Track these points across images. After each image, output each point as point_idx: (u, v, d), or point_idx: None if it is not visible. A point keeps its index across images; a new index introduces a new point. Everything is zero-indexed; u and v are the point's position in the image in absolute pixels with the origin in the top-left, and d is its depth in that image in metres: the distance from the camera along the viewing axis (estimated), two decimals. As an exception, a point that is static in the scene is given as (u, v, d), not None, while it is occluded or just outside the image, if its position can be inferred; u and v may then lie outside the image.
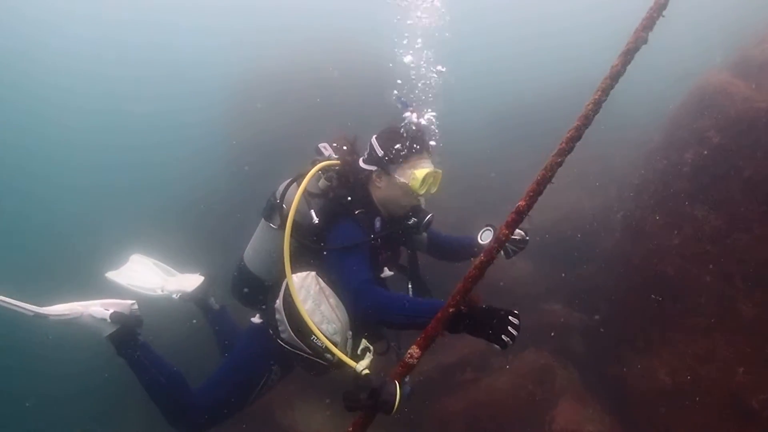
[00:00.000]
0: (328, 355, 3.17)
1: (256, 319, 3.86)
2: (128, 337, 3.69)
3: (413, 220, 3.62)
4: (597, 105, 2.40)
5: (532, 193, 2.42)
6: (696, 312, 5.18)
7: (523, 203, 2.42)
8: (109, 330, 3.62)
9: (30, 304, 3.42)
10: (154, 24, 21.35)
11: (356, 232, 3.32)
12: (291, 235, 3.24)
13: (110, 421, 7.71)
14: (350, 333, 3.39)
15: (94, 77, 19.82)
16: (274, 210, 3.59)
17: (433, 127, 3.73)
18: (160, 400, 3.69)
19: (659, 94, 6.25)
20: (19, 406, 7.79)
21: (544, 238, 7.84)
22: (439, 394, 6.46)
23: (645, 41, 2.32)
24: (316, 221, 3.34)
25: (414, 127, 3.55)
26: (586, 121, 2.41)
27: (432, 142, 3.69)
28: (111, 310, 3.62)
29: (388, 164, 3.51)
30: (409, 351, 2.40)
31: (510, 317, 2.65)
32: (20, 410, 7.82)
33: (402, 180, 3.48)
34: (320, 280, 3.38)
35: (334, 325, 3.28)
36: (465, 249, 4.19)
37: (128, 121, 18.04)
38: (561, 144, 2.40)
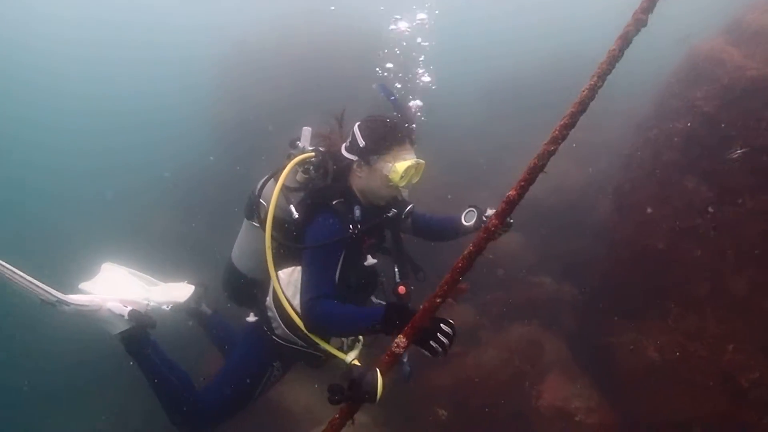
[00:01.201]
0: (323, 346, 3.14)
1: (251, 318, 3.69)
2: (141, 335, 3.55)
3: (393, 211, 3.46)
4: (593, 91, 2.19)
5: (523, 183, 2.27)
6: (686, 287, 4.89)
7: (514, 193, 2.26)
8: (123, 327, 3.49)
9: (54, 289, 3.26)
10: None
11: (332, 228, 3.13)
12: (274, 235, 3.19)
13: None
14: None
15: (72, 58, 19.26)
16: (254, 208, 3.44)
17: (419, 114, 3.53)
18: (166, 399, 3.53)
19: (655, 60, 5.84)
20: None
21: (535, 210, 7.55)
22: (426, 369, 6.22)
23: (644, 24, 2.12)
24: (296, 216, 3.19)
25: (398, 116, 3.37)
26: (582, 107, 2.20)
27: (414, 126, 3.46)
28: (129, 308, 3.50)
29: (368, 154, 3.29)
30: (395, 341, 2.29)
31: (442, 325, 2.50)
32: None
33: (383, 172, 3.27)
34: None
35: None
36: (449, 230, 4.01)
37: (106, 105, 17.47)
38: (554, 131, 2.21)
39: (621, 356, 5.37)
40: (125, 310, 3.47)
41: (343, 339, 3.38)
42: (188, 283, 4.30)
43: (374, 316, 2.68)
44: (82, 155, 14.96)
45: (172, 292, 4.17)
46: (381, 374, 2.32)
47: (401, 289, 3.33)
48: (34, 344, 7.83)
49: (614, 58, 2.16)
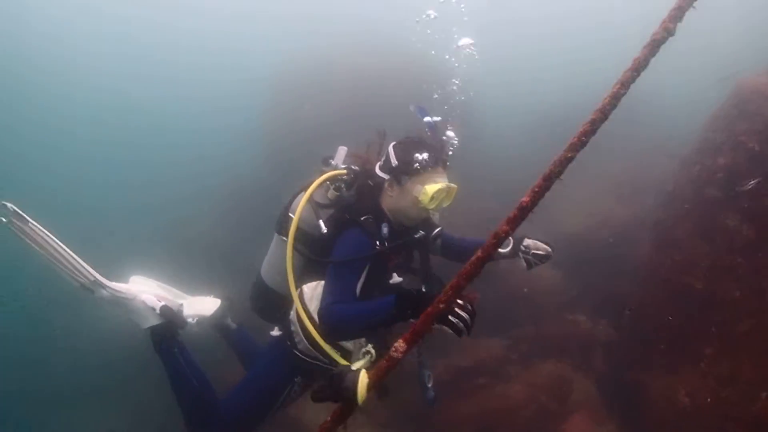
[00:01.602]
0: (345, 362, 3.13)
1: (275, 332, 3.67)
2: (170, 333, 3.60)
3: (421, 233, 3.46)
4: (615, 99, 2.11)
5: (537, 189, 2.14)
6: (723, 329, 4.59)
7: (527, 200, 2.14)
8: (154, 321, 3.55)
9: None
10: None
11: (359, 243, 3.16)
12: (300, 249, 3.25)
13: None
14: (363, 340, 3.19)
15: (116, 71, 20.02)
16: (283, 222, 3.48)
17: (454, 141, 3.53)
18: (187, 402, 3.54)
19: (702, 100, 5.65)
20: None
21: (575, 246, 7.31)
22: (452, 397, 6.03)
23: (672, 33, 2.03)
24: (325, 230, 3.24)
25: (433, 140, 3.40)
26: (602, 115, 2.12)
27: (450, 152, 3.49)
28: (162, 303, 3.57)
29: (400, 174, 3.30)
30: (394, 345, 2.18)
31: (459, 301, 2.39)
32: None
33: (413, 193, 3.27)
34: None
35: None
36: None
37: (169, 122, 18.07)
38: (573, 138, 2.11)
39: (651, 400, 5.07)
40: (158, 305, 3.54)
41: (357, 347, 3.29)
42: (215, 297, 4.30)
43: (387, 305, 2.66)
44: (141, 166, 15.53)
45: (198, 306, 4.16)
46: (371, 377, 2.23)
47: None
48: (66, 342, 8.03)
49: (639, 65, 2.08)
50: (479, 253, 2.14)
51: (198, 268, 6.98)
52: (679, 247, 5.11)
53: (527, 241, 3.71)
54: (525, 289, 6.79)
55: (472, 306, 2.42)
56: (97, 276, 3.38)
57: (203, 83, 19.99)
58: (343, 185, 3.41)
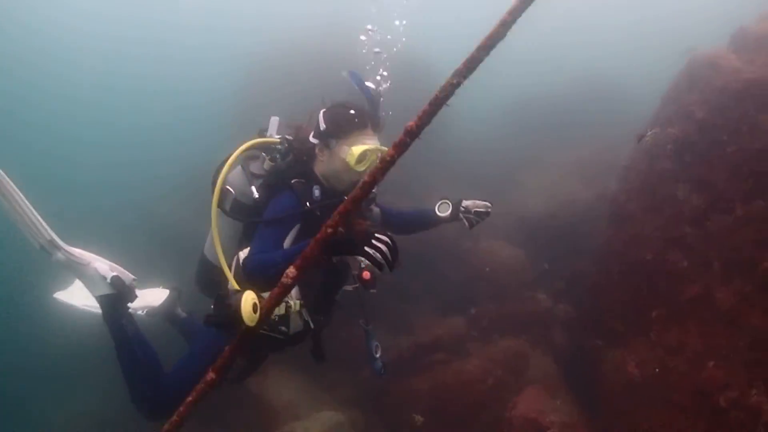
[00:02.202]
0: (283, 328, 3.15)
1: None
2: (119, 304, 3.52)
3: None
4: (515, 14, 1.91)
5: (423, 114, 2.01)
6: (671, 299, 4.50)
7: (412, 124, 2.00)
8: (104, 291, 3.47)
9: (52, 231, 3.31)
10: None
11: (288, 203, 3.16)
12: (235, 217, 3.26)
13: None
14: (298, 303, 3.22)
15: (91, 62, 19.72)
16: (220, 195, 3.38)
17: (382, 99, 3.48)
18: (130, 375, 3.44)
19: (666, 77, 5.57)
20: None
21: (538, 227, 7.23)
22: (407, 373, 5.93)
23: None
24: (256, 196, 3.25)
25: (371, 105, 3.36)
26: (493, 41, 1.90)
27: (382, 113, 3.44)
28: (114, 273, 3.50)
29: (329, 138, 3.29)
30: (286, 272, 2.07)
31: (378, 234, 2.46)
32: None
33: (341, 155, 3.25)
34: None
35: None
36: (421, 221, 4.15)
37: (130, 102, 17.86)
38: (460, 65, 1.94)
39: (603, 373, 4.97)
40: (109, 274, 3.46)
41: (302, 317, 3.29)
42: (163, 287, 4.33)
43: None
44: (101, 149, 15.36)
45: (147, 297, 4.19)
46: (263, 303, 2.13)
47: (365, 275, 3.18)
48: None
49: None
50: (366, 178, 2.04)
51: (155, 254, 6.87)
52: (632, 221, 5.03)
53: (465, 203, 3.94)
54: (487, 269, 6.70)
55: (392, 240, 2.40)
56: (54, 236, 3.31)
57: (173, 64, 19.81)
58: (278, 155, 3.38)
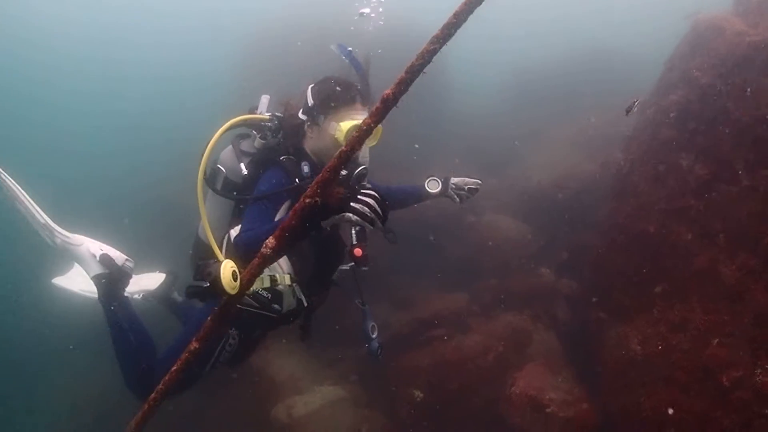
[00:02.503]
0: (276, 306, 3.08)
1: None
2: (111, 285, 3.49)
3: (344, 171, 3.14)
4: None
5: (399, 82, 1.91)
6: (674, 273, 4.30)
7: (389, 92, 1.92)
8: (97, 270, 3.48)
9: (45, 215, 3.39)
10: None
11: (276, 179, 3.05)
12: (226, 195, 3.21)
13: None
14: (288, 276, 3.11)
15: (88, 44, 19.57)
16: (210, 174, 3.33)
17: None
18: (123, 358, 3.40)
19: (671, 45, 5.28)
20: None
21: (542, 200, 7.02)
22: (407, 349, 5.82)
23: None
24: (245, 172, 3.18)
25: (361, 79, 3.20)
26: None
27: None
28: (103, 251, 3.51)
29: (317, 114, 3.14)
30: (265, 242, 2.04)
31: (363, 190, 2.33)
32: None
33: (329, 131, 3.11)
34: None
35: (274, 272, 3.05)
36: (411, 197, 4.05)
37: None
38: (437, 32, 1.86)
39: (606, 350, 4.80)
40: (98, 252, 3.47)
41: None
42: (159, 272, 4.27)
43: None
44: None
45: (143, 281, 4.15)
46: (244, 273, 2.08)
47: (357, 251, 3.12)
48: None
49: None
50: (345, 147, 1.96)
51: (153, 239, 6.80)
52: (635, 193, 4.80)
53: (455, 179, 3.90)
54: (490, 243, 6.52)
55: (379, 193, 2.30)
56: (48, 220, 3.38)
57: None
58: (268, 132, 3.26)
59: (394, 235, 3.50)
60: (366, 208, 2.26)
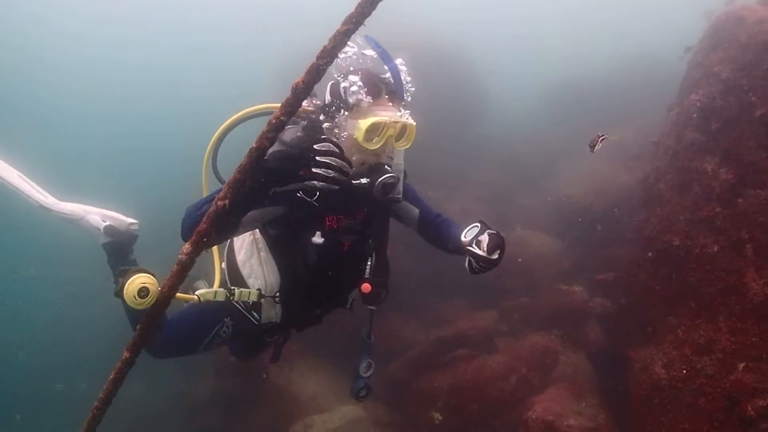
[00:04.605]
0: (255, 314, 2.82)
1: None
2: (119, 251, 3.34)
3: (362, 181, 2.48)
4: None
5: (310, 69, 1.66)
6: (699, 290, 3.73)
7: (300, 81, 1.67)
8: (104, 240, 3.33)
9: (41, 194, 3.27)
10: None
11: None
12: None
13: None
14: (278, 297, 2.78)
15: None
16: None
17: (404, 74, 2.62)
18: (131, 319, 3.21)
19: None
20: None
21: (574, 213, 6.47)
22: (429, 369, 5.43)
23: None
24: None
25: (392, 75, 2.54)
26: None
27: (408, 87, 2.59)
28: (107, 223, 3.31)
29: (335, 112, 2.53)
30: (182, 248, 1.82)
31: (316, 146, 2.05)
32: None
33: (348, 131, 2.48)
34: (257, 231, 2.79)
35: (260, 281, 2.78)
36: (451, 243, 2.85)
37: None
38: (353, 10, 1.60)
39: (632, 373, 4.25)
40: (102, 225, 3.28)
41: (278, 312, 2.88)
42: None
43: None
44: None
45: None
46: (165, 283, 1.88)
47: (365, 287, 2.65)
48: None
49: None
50: (254, 143, 1.73)
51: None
52: (661, 202, 4.26)
53: (483, 237, 2.52)
54: (519, 259, 6.03)
55: (336, 145, 2.06)
56: (43, 201, 3.22)
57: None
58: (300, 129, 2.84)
59: (387, 292, 2.84)
60: (331, 171, 2.00)
